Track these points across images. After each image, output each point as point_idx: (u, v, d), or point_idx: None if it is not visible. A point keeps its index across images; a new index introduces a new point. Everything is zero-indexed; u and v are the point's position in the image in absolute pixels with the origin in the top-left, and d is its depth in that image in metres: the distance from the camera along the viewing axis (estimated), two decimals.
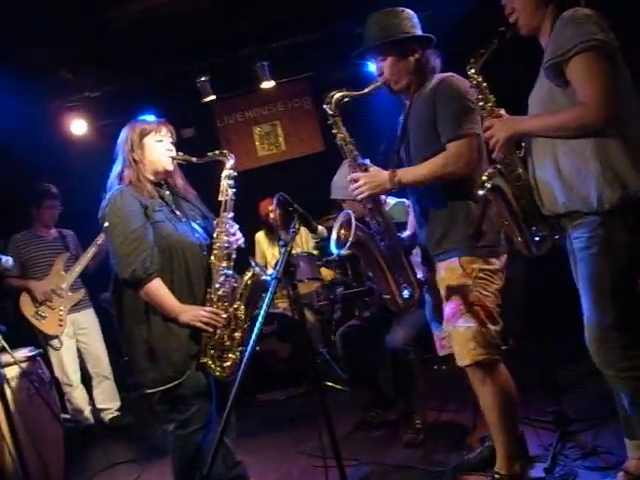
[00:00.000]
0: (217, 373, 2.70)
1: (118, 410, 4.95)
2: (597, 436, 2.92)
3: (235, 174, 2.86)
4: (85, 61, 5.73)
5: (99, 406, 4.90)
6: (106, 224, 2.70)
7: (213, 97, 6.11)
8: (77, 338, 4.85)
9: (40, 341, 4.56)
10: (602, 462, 2.73)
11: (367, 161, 2.77)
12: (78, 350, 4.87)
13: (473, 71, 2.35)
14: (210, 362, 2.69)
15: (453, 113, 2.55)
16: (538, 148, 2.30)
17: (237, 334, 2.74)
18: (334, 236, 2.81)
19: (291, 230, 2.48)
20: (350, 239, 2.70)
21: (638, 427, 2.33)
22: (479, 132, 2.54)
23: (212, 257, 2.76)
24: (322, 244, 2.52)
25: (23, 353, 3.54)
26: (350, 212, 2.79)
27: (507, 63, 2.49)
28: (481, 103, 2.37)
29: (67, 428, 4.15)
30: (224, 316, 2.70)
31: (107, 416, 4.90)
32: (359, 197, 2.67)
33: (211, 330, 2.68)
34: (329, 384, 4.68)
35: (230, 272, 2.76)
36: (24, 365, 3.43)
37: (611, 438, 2.80)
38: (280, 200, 2.50)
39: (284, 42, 5.93)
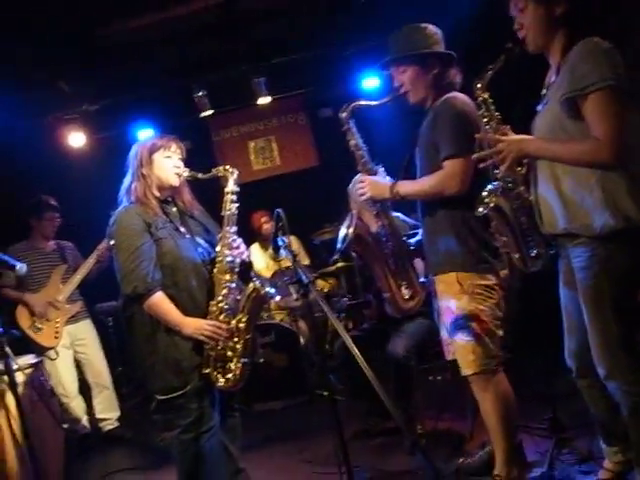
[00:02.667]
0: (220, 383, 2.78)
1: (117, 420, 4.96)
2: (592, 442, 2.99)
3: (238, 189, 2.95)
4: (84, 74, 5.78)
5: (98, 416, 4.91)
6: (112, 242, 2.82)
7: (210, 112, 6.20)
8: (75, 349, 4.86)
9: (35, 352, 4.55)
10: (598, 467, 2.78)
11: (379, 168, 2.90)
12: (77, 361, 4.87)
13: (479, 87, 2.40)
14: (213, 372, 2.77)
15: (450, 132, 2.63)
16: (540, 168, 2.36)
17: (239, 346, 2.80)
18: (341, 234, 2.94)
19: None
20: (349, 234, 2.86)
21: (620, 435, 2.46)
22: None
23: (215, 270, 2.83)
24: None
25: (26, 360, 3.57)
26: (354, 212, 2.92)
27: (510, 77, 2.53)
28: (486, 120, 2.41)
29: (66, 437, 4.17)
30: (226, 328, 2.77)
31: (106, 426, 4.91)
32: (362, 197, 2.82)
33: (213, 342, 2.76)
34: (326, 393, 4.71)
35: (233, 285, 2.83)
36: (28, 372, 3.46)
37: None
38: (277, 215, 2.63)
39: (280, 59, 6.03)
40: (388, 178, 2.90)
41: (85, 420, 4.85)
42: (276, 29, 5.96)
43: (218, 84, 6.19)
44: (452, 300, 2.69)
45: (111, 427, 4.92)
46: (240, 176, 2.69)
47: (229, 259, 2.84)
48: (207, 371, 2.76)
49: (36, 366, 3.61)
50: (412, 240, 3.02)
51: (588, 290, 2.29)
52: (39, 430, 3.47)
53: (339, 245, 2.96)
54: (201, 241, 2.95)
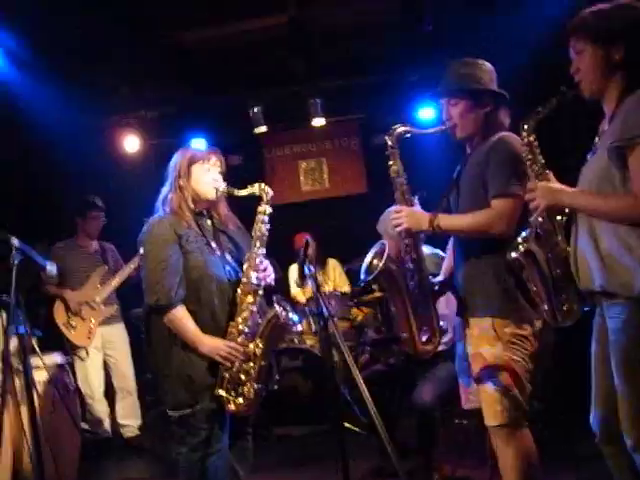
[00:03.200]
0: (231, 407, 2.72)
1: (138, 428, 4.97)
2: None
3: (270, 210, 2.88)
4: (146, 81, 5.91)
5: (120, 421, 4.93)
6: (141, 250, 2.80)
7: (264, 128, 6.23)
8: (105, 352, 4.90)
9: (67, 350, 4.63)
10: None
11: (416, 199, 2.82)
12: (105, 363, 4.92)
13: (526, 129, 2.32)
14: (225, 395, 2.71)
15: (504, 171, 2.54)
16: (580, 221, 2.25)
17: (253, 371, 2.75)
18: (366, 263, 2.84)
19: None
20: (380, 267, 2.75)
21: None
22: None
23: (239, 291, 2.78)
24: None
25: (53, 359, 3.61)
26: (385, 242, 2.84)
27: (563, 122, 2.44)
28: (529, 163, 2.33)
29: (85, 438, 4.20)
30: (243, 351, 2.72)
31: (126, 432, 4.92)
32: (397, 229, 2.71)
33: (229, 364, 2.71)
34: (347, 425, 4.64)
35: (255, 308, 2.78)
36: (52, 371, 3.51)
37: None
38: (306, 242, 2.58)
39: (339, 82, 6.06)
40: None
41: (107, 424, 4.88)
42: (337, 52, 5.99)
43: (275, 101, 6.25)
44: (485, 347, 2.58)
45: (131, 435, 4.93)
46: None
47: (254, 281, 2.79)
48: (219, 393, 2.72)
49: (62, 366, 3.67)
50: (436, 280, 2.92)
51: (621, 354, 2.16)
52: (57, 429, 3.52)
53: (363, 275, 2.88)
54: (230, 259, 2.90)
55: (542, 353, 2.71)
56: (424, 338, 2.76)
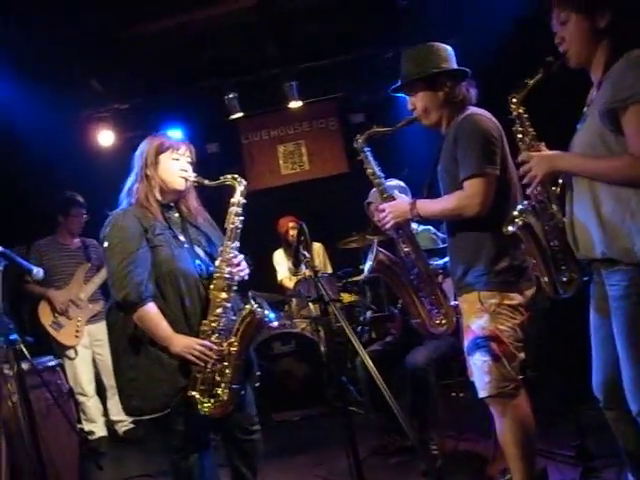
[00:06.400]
0: (204, 409, 2.56)
1: (132, 422, 4.87)
2: (620, 473, 2.86)
3: (244, 202, 2.73)
4: (116, 73, 5.80)
5: (113, 418, 4.88)
6: (105, 244, 2.61)
7: (240, 114, 6.16)
8: (93, 349, 4.82)
9: (55, 350, 4.54)
10: None
11: (395, 192, 2.91)
12: (94, 361, 4.84)
13: (515, 102, 2.30)
14: (198, 396, 2.55)
15: (471, 152, 2.53)
16: (578, 188, 2.23)
17: (228, 371, 2.58)
18: (367, 265, 3.01)
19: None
20: (371, 263, 2.93)
21: None
22: (496, 172, 2.52)
23: (212, 287, 2.62)
24: None
25: (43, 363, 3.54)
26: (375, 241, 2.98)
27: (551, 95, 2.41)
28: (520, 136, 2.31)
29: (82, 439, 4.14)
30: (217, 350, 2.56)
31: (121, 428, 4.88)
32: (386, 226, 2.78)
33: (202, 364, 2.54)
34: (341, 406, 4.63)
35: (229, 304, 2.62)
36: (44, 375, 3.44)
37: None
38: (300, 228, 2.65)
39: (313, 63, 6.00)
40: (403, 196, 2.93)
41: (102, 422, 4.82)
42: (310, 32, 5.92)
43: (249, 87, 6.17)
44: (472, 319, 2.60)
45: (126, 429, 4.88)
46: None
47: (227, 276, 2.63)
48: (192, 394, 2.54)
49: (53, 369, 3.59)
50: (441, 262, 3.02)
51: (624, 320, 2.15)
52: (55, 433, 3.45)
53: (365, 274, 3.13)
54: (201, 252, 2.74)
55: (534, 320, 2.73)
56: (437, 320, 2.86)
